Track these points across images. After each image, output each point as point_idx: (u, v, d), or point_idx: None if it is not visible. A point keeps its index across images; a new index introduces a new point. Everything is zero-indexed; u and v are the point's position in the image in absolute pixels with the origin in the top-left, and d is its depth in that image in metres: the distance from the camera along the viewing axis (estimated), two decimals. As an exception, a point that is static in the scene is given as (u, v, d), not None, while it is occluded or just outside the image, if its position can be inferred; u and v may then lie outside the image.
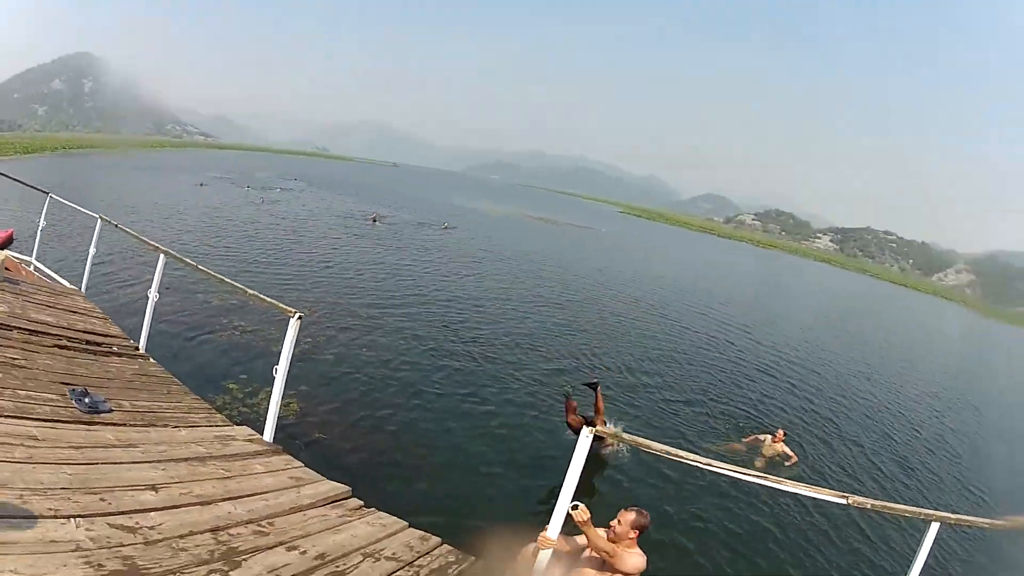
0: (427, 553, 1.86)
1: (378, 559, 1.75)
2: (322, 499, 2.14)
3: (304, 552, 1.68)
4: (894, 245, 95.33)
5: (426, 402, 4.77)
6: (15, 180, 5.59)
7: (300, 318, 2.67)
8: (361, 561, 1.71)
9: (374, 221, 16.67)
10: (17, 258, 4.70)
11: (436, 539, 2.00)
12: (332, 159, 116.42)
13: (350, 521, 2.00)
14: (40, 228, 4.71)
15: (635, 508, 1.84)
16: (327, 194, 25.11)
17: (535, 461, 3.90)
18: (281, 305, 2.75)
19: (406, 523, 2.08)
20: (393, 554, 1.80)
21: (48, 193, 4.70)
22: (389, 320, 7.03)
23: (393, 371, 5.34)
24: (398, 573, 1.71)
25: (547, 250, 16.94)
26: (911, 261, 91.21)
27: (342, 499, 2.21)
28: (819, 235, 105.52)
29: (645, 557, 1.78)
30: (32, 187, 5.40)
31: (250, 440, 2.60)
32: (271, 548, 1.66)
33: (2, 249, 5.15)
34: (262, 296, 2.90)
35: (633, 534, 1.79)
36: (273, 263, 9.30)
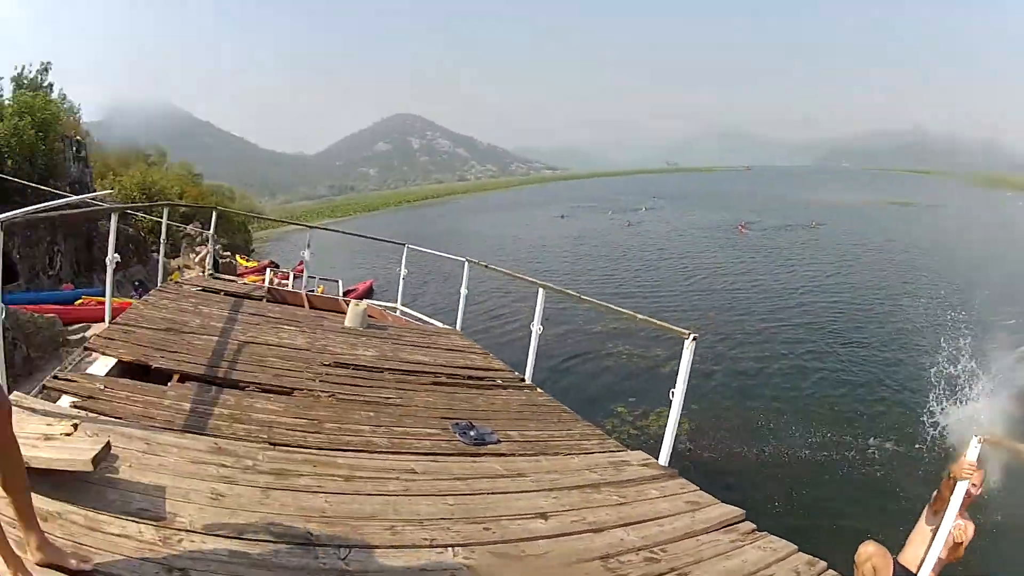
0: None
1: None
2: (716, 523, 5.52)
3: None
4: None
5: (821, 420, 14.86)
6: (368, 237, 29.78)
7: (695, 339, 7.15)
8: None
9: (743, 229, 60.18)
10: (381, 305, 16.73)
11: (823, 564, 5.02)
12: (684, 172, 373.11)
13: (741, 546, 5.17)
14: (402, 276, 16.41)
15: None
16: (688, 208, 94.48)
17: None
18: (675, 328, 7.50)
19: (795, 547, 5.29)
20: None
21: (405, 244, 16.33)
22: (774, 331, 23.51)
23: (785, 387, 17.54)
24: None
25: (921, 237, 57.08)
26: None
27: (735, 523, 5.62)
28: None
29: None
30: (388, 241, 22.43)
31: (645, 464, 6.91)
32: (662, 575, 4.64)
33: (365, 298, 19.06)
34: (652, 320, 8.47)
35: None
36: (650, 284, 36.05)
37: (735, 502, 6.07)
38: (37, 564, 3.55)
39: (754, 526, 5.58)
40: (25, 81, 41.44)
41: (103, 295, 26.11)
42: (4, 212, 5.95)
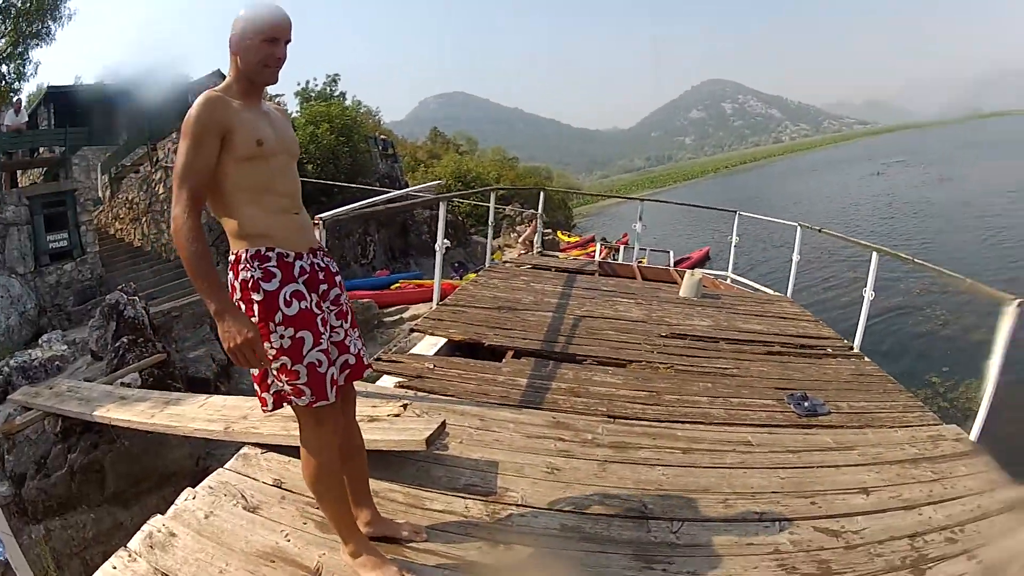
0: None
1: None
2: (1012, 504, 5.31)
3: (979, 561, 4.48)
4: None
5: None
6: (697, 206, 41.59)
7: (1020, 305, 6.68)
8: (1020, 570, 4.59)
9: None
10: (713, 274, 16.96)
11: None
12: (989, 118, 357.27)
13: None
14: (733, 244, 16.81)
15: None
16: (1003, 160, 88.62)
17: None
18: (999, 292, 7.09)
19: None
20: None
21: (736, 211, 16.93)
22: None
23: None
24: None
25: None
26: None
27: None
28: None
29: None
30: (718, 208, 20.93)
31: (958, 440, 6.61)
32: (955, 557, 4.50)
33: (700, 266, 21.85)
34: (980, 284, 7.91)
35: None
36: (972, 243, 34.72)
37: None
38: (367, 536, 4.05)
39: None
40: (312, 94, 44.17)
41: (420, 279, 27.95)
42: (318, 212, 6.42)
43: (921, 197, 60.65)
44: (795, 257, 14.17)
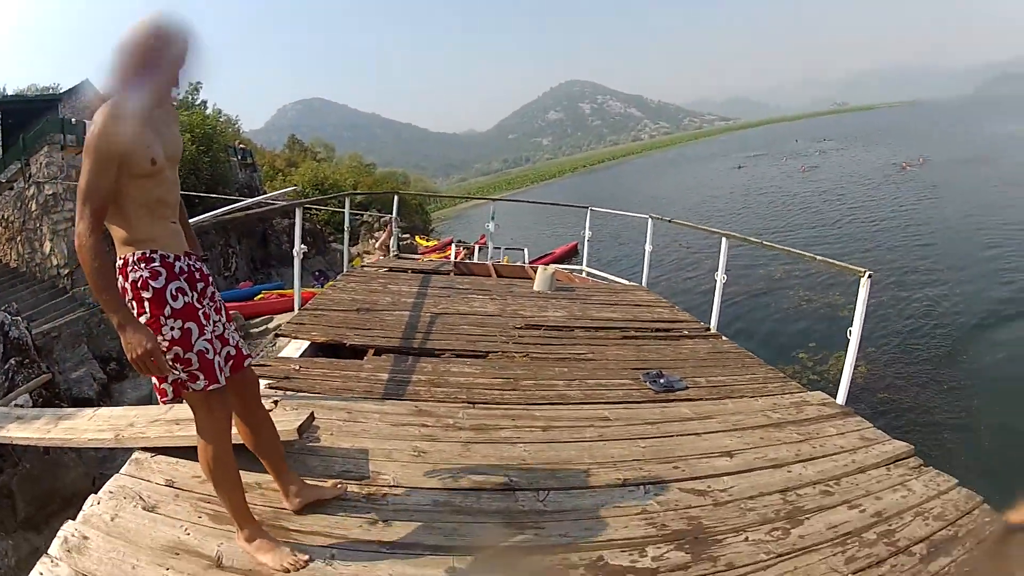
0: (968, 513, 5.00)
1: (926, 518, 4.91)
2: (886, 459, 5.89)
3: (863, 510, 4.95)
4: None
5: (994, 361, 17.20)
6: (553, 204, 44.43)
7: (870, 276, 7.50)
8: (912, 520, 4.88)
9: (906, 167, 67.49)
10: (568, 268, 18.10)
11: (979, 498, 5.21)
12: (852, 111, 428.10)
13: (908, 480, 5.54)
14: (586, 239, 17.74)
15: None
16: (858, 150, 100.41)
17: None
18: (849, 266, 8.22)
19: (956, 481, 5.51)
20: (939, 513, 4.98)
21: (588, 207, 17.45)
22: (948, 273, 25.80)
23: (961, 329, 19.68)
24: (940, 532, 4.74)
25: None
26: None
27: (904, 458, 5.96)
28: None
29: None
30: (570, 205, 26.29)
31: (823, 404, 7.23)
32: (834, 507, 4.97)
33: (565, 261, 26.20)
34: (831, 260, 8.88)
35: None
36: (825, 229, 39.96)
37: (906, 439, 6.40)
38: (295, 510, 4.49)
39: (921, 461, 5.93)
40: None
41: (282, 288, 27.98)
42: None
43: (781, 187, 64.77)
44: (647, 247, 14.75)
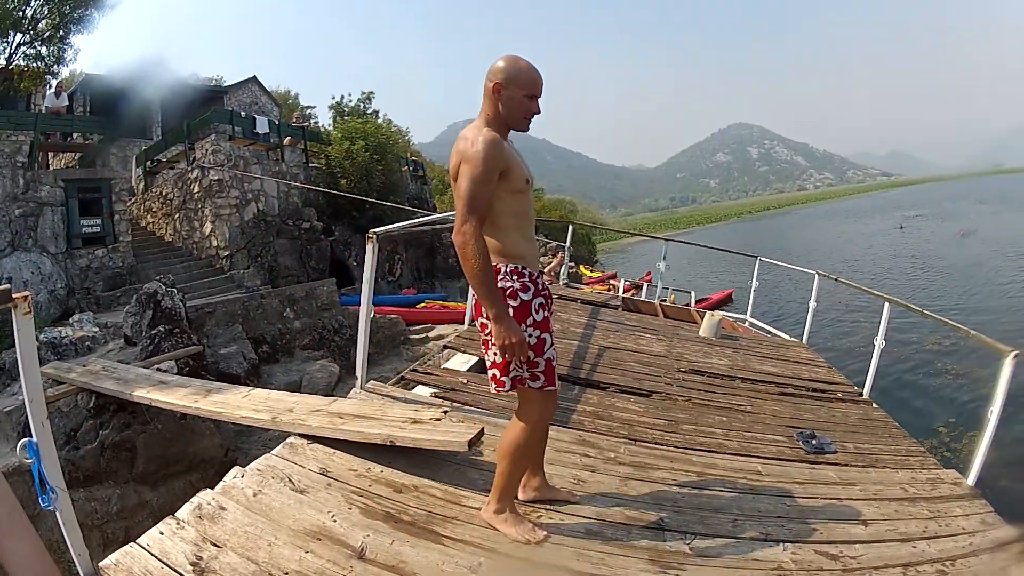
0: None
1: None
2: (1001, 544, 5.77)
3: None
4: None
5: None
6: (724, 250, 31.62)
7: (1016, 356, 7.21)
8: None
9: None
10: (733, 317, 18.09)
11: None
12: (1010, 173, 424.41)
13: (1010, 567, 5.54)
14: (753, 288, 17.52)
15: None
16: (1015, 215, 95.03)
17: None
18: (997, 344, 7.65)
19: None
20: None
21: (757, 257, 17.60)
22: None
23: None
24: None
25: None
26: None
27: (1015, 542, 5.90)
28: None
29: None
30: (740, 253, 23.93)
31: (956, 484, 7.08)
32: None
33: (720, 307, 22.49)
34: (981, 336, 8.28)
35: None
36: (984, 299, 35.78)
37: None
38: (525, 499, 5.22)
39: None
40: (346, 108, 44.36)
41: (445, 300, 28.75)
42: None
43: (937, 252, 62.10)
44: (812, 304, 14.65)
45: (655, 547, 4.86)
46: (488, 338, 4.56)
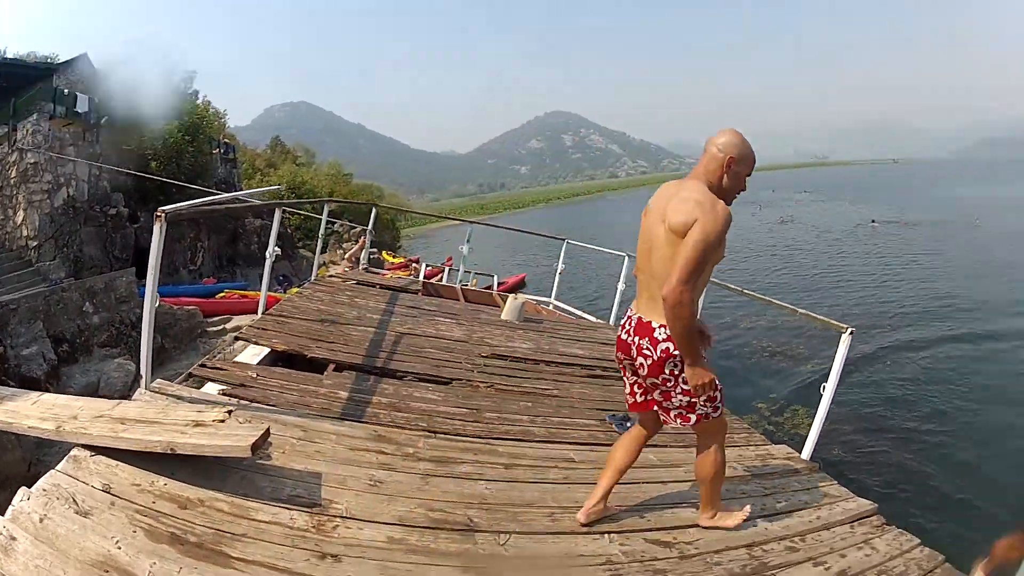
0: (930, 572, 5.21)
1: None
2: (850, 516, 5.94)
3: (828, 567, 5.02)
4: None
5: (961, 421, 17.35)
6: (531, 233, 27.34)
7: (852, 333, 7.30)
8: None
9: (873, 224, 71.45)
10: (535, 300, 16.89)
11: (940, 558, 5.42)
12: (833, 166, 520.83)
13: (871, 538, 5.62)
14: (559, 271, 17.17)
15: None
16: (837, 204, 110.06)
17: None
18: (832, 321, 7.63)
19: (919, 541, 5.67)
20: (902, 572, 5.14)
21: (564, 239, 17.24)
22: (920, 332, 26.12)
23: (927, 386, 19.79)
24: None
25: None
26: None
27: (867, 516, 6.02)
28: None
29: None
30: (548, 236, 22.70)
31: (789, 459, 7.32)
32: (799, 564, 5.01)
33: (517, 291, 21.08)
34: (812, 314, 8.36)
35: None
36: (798, 280, 40.40)
37: (870, 497, 6.51)
38: (587, 522, 5.14)
39: (884, 520, 6.01)
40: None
41: (245, 289, 27.62)
42: (153, 210, 6.21)
43: (759, 238, 63.44)
44: (620, 286, 14.39)
45: (466, 551, 4.43)
46: (668, 386, 4.85)
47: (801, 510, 5.81)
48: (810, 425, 7.59)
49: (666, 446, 6.78)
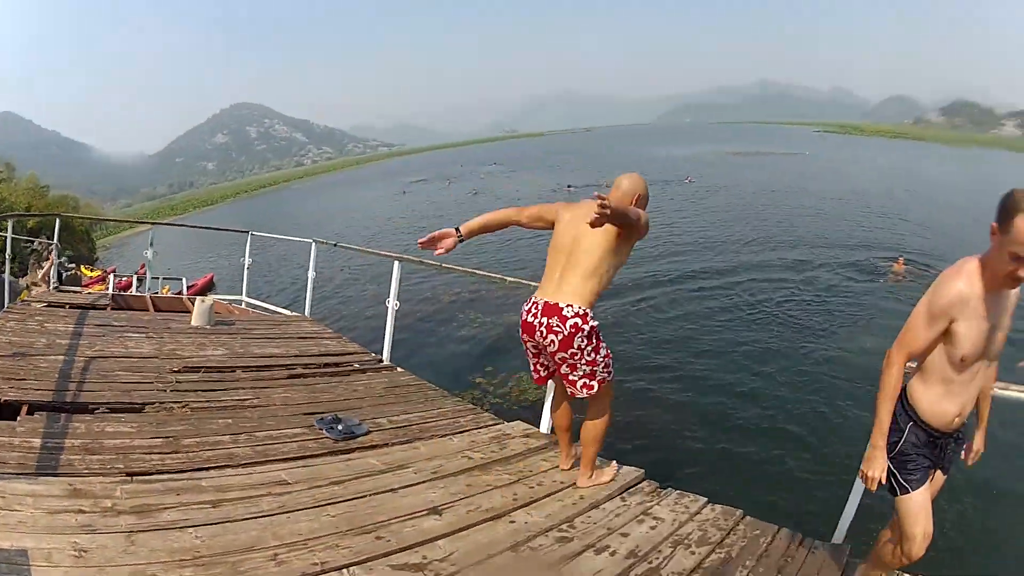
0: (733, 529, 5.12)
1: (688, 545, 4.79)
2: (617, 488, 5.73)
3: (614, 552, 4.59)
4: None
5: (702, 372, 16.94)
6: (210, 228, 36.34)
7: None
8: (673, 551, 4.71)
9: (568, 188, 70.52)
10: (226, 299, 16.01)
11: (739, 511, 5.41)
12: (523, 138, 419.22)
13: (650, 506, 5.44)
14: (246, 266, 15.59)
15: None
16: (529, 173, 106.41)
17: (817, 423, 14.30)
18: (535, 284, 6.72)
19: (705, 498, 5.64)
20: (702, 536, 4.94)
21: (248, 232, 15.71)
22: (649, 291, 25.49)
23: (661, 344, 19.38)
24: (711, 557, 4.65)
25: (772, 185, 67.72)
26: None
27: (636, 483, 5.94)
28: (1003, 121, 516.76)
29: None
30: (231, 230, 21.03)
31: (527, 435, 6.94)
32: (579, 554, 4.53)
33: (205, 294, 18.31)
34: (528, 282, 8.08)
35: None
36: (509, 252, 36.59)
37: (632, 462, 6.44)
38: (565, 467, 6.20)
39: (656, 484, 5.93)
40: None
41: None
42: None
43: (445, 212, 64.06)
44: (311, 274, 14.17)
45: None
46: (575, 359, 5.50)
47: (559, 491, 5.52)
48: (542, 394, 7.45)
49: (388, 445, 6.29)
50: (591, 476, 5.77)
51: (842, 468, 10.14)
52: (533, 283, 7.43)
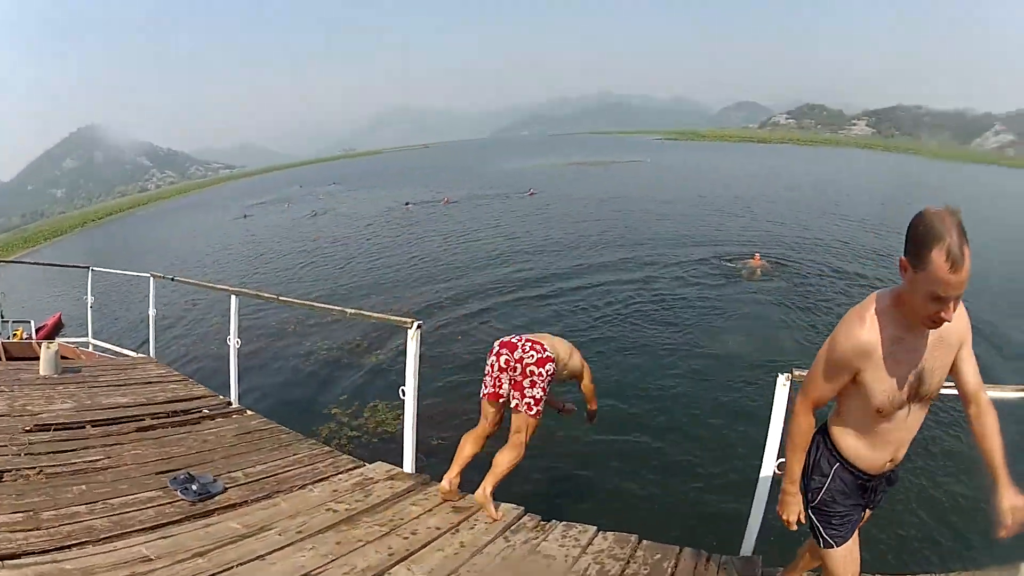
0: (631, 557, 5.18)
1: None
2: (499, 529, 5.61)
3: None
4: (927, 119, 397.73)
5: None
6: (49, 264, 36.44)
7: (419, 327, 7.07)
8: None
9: (408, 207, 65.63)
10: (71, 343, 14.83)
11: (634, 537, 5.48)
12: (361, 156, 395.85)
13: (537, 543, 5.40)
14: (89, 305, 14.83)
15: None
16: (368, 192, 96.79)
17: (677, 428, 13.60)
18: (395, 318, 7.52)
19: (595, 527, 5.67)
20: (600, 570, 4.98)
21: (89, 267, 14.91)
22: (494, 310, 22.74)
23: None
24: None
25: (617, 193, 63.57)
26: (947, 132, 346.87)
27: (517, 520, 5.86)
28: (854, 122, 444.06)
29: None
30: (70, 266, 21.35)
31: (391, 477, 6.78)
32: None
33: (53, 337, 16.36)
34: (367, 313, 8.20)
35: None
36: (353, 275, 33.22)
37: (506, 500, 6.41)
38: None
39: (539, 518, 5.97)
40: None
41: None
42: None
43: (289, 235, 60.76)
44: (151, 311, 13.58)
45: None
46: (538, 380, 6.10)
47: (436, 539, 5.34)
48: (400, 425, 7.46)
49: (245, 503, 6.04)
50: (490, 493, 6.03)
51: (736, 478, 10.28)
52: (375, 314, 8.28)
